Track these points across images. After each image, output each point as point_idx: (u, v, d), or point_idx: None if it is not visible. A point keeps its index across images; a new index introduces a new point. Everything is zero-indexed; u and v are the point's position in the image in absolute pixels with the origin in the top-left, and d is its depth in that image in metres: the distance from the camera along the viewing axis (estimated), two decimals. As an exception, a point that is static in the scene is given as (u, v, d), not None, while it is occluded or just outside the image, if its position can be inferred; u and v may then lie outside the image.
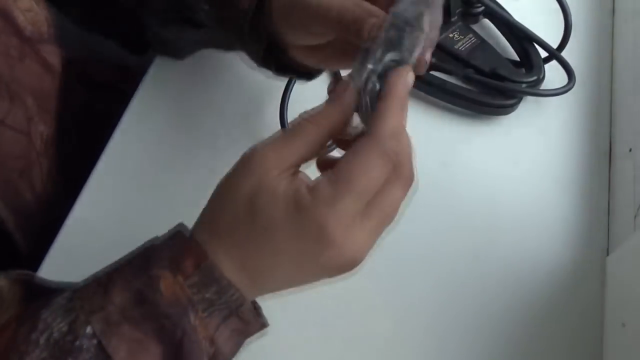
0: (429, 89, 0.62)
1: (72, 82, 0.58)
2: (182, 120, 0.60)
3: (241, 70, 0.52)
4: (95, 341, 0.34)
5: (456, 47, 0.63)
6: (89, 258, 0.52)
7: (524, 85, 0.61)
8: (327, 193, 0.35)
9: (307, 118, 0.37)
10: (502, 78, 0.61)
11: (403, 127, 0.37)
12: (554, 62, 0.63)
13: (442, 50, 0.63)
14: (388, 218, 0.37)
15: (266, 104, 0.61)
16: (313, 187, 0.35)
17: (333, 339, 0.50)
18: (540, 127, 0.62)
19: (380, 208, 0.36)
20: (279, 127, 0.58)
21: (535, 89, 0.61)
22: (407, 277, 0.53)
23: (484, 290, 0.53)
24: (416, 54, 0.38)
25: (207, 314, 0.36)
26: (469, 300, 0.52)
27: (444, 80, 0.62)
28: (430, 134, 0.61)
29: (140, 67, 0.64)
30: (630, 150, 0.57)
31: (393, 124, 0.36)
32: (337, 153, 0.39)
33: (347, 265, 0.36)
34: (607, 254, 0.55)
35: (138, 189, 0.56)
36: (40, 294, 0.39)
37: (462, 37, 0.64)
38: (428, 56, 0.40)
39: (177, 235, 0.38)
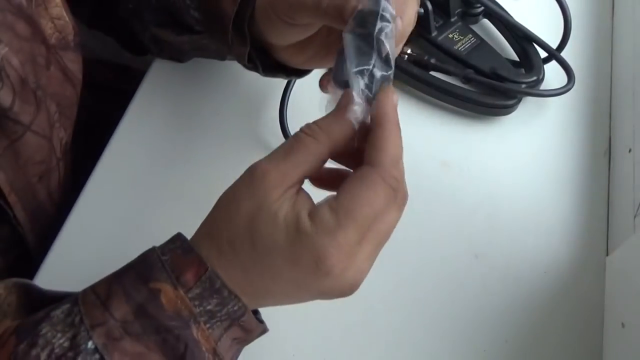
0: (429, 89, 0.62)
1: (83, 85, 0.58)
2: (182, 121, 0.60)
3: (241, 71, 0.52)
4: (97, 356, 0.34)
5: (456, 47, 0.64)
6: (89, 258, 0.52)
7: (523, 86, 0.61)
8: (329, 222, 0.35)
9: (310, 133, 0.37)
10: (502, 78, 0.61)
11: (401, 151, 0.37)
12: (553, 63, 0.63)
13: (442, 51, 0.64)
14: (385, 239, 0.37)
15: (266, 104, 0.61)
16: (315, 214, 0.35)
17: (333, 338, 0.50)
18: (539, 128, 0.62)
19: (379, 231, 0.36)
20: (278, 127, 0.58)
21: (534, 90, 0.61)
22: (407, 277, 0.53)
23: (484, 290, 0.53)
24: (392, 50, 0.38)
25: (209, 325, 0.36)
26: (469, 300, 0.52)
27: (444, 81, 0.62)
28: (430, 134, 0.61)
29: (140, 67, 0.64)
30: (629, 150, 0.56)
31: (394, 152, 0.36)
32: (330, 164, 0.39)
33: (346, 290, 0.36)
34: (607, 254, 0.55)
35: (138, 189, 0.56)
36: (38, 302, 0.38)
37: (462, 37, 0.64)
38: (399, 47, 0.40)
39: (177, 246, 0.37)
